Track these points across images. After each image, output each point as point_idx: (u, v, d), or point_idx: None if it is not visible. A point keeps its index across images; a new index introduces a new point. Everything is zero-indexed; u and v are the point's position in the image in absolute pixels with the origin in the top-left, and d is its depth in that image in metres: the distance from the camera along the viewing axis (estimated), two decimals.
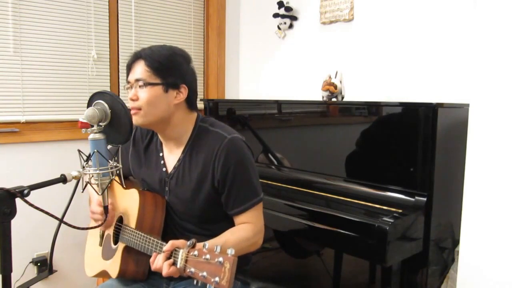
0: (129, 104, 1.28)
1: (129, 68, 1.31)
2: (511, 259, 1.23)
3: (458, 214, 1.35)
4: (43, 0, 2.26)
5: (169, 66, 1.27)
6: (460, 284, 1.35)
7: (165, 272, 1.06)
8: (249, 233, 1.26)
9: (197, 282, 0.97)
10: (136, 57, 1.29)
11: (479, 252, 1.30)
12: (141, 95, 1.25)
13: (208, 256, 0.96)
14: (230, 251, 0.94)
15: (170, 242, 1.08)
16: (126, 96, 1.29)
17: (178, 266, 1.03)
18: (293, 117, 2.14)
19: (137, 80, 1.26)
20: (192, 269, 0.98)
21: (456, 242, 1.63)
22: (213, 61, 2.95)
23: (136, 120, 1.28)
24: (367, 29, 2.22)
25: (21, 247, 2.20)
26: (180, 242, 1.08)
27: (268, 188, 2.00)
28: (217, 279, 0.93)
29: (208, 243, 0.99)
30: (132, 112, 1.27)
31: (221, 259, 0.93)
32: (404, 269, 1.63)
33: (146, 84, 1.25)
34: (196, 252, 0.99)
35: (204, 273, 0.95)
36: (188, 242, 1.04)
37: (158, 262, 1.09)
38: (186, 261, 1.01)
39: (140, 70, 1.26)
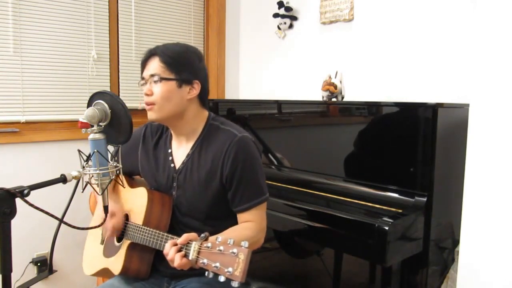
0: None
1: (143, 65, 1.34)
2: (511, 259, 1.23)
3: (458, 214, 1.35)
4: (43, 0, 2.26)
5: (182, 62, 1.31)
6: (460, 284, 1.35)
7: (176, 263, 1.07)
8: (252, 232, 1.27)
9: (209, 273, 0.97)
10: (151, 53, 1.32)
11: (479, 252, 1.30)
12: (155, 90, 1.29)
13: (221, 248, 0.96)
14: (244, 243, 0.94)
15: (184, 235, 1.08)
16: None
17: (190, 258, 1.03)
18: (293, 117, 2.14)
19: (152, 76, 1.29)
20: (205, 260, 0.98)
21: (456, 242, 1.63)
22: (213, 61, 2.95)
23: (150, 115, 1.31)
24: (367, 29, 2.22)
25: (21, 247, 2.20)
26: (192, 235, 1.08)
27: (268, 188, 2.00)
28: (230, 269, 0.93)
29: (221, 236, 1.00)
30: (146, 108, 1.31)
31: (235, 250, 0.93)
32: (404, 269, 1.63)
33: (161, 79, 1.28)
34: (209, 244, 1.00)
35: (217, 264, 0.95)
36: (202, 235, 1.04)
37: (171, 254, 1.09)
38: (198, 252, 1.01)
39: (155, 66, 1.29)
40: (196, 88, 1.33)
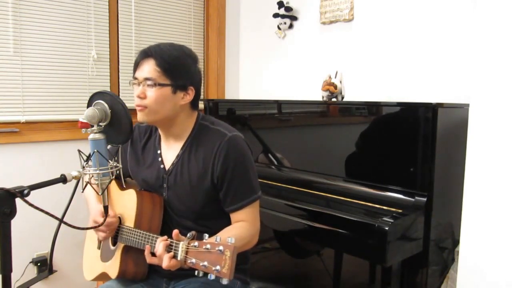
0: (133, 102, 1.28)
1: (136, 64, 1.30)
2: (511, 259, 1.23)
3: (458, 214, 1.35)
4: (43, 0, 2.26)
5: (179, 68, 1.28)
6: (460, 284, 1.35)
7: (165, 264, 1.07)
8: (245, 232, 1.27)
9: (198, 273, 0.98)
10: (146, 54, 1.28)
11: (479, 252, 1.30)
12: (149, 94, 1.26)
13: (208, 246, 0.97)
14: (230, 240, 0.96)
15: (174, 233, 1.09)
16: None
17: (179, 258, 1.04)
18: (293, 117, 2.14)
19: (147, 79, 1.26)
20: (193, 260, 0.99)
21: (456, 242, 1.63)
22: (213, 61, 2.95)
23: (141, 116, 1.29)
24: (367, 29, 2.22)
25: (21, 247, 2.20)
26: (180, 237, 1.09)
27: (268, 188, 2.00)
28: (218, 267, 0.94)
29: (208, 235, 1.01)
30: (138, 109, 1.29)
31: (221, 247, 0.95)
32: (404, 269, 1.63)
33: (156, 84, 1.25)
34: (196, 243, 1.00)
35: (205, 263, 0.96)
36: (188, 234, 1.05)
37: (160, 250, 1.09)
38: (186, 252, 1.02)
39: (149, 69, 1.26)
40: (190, 94, 1.31)
